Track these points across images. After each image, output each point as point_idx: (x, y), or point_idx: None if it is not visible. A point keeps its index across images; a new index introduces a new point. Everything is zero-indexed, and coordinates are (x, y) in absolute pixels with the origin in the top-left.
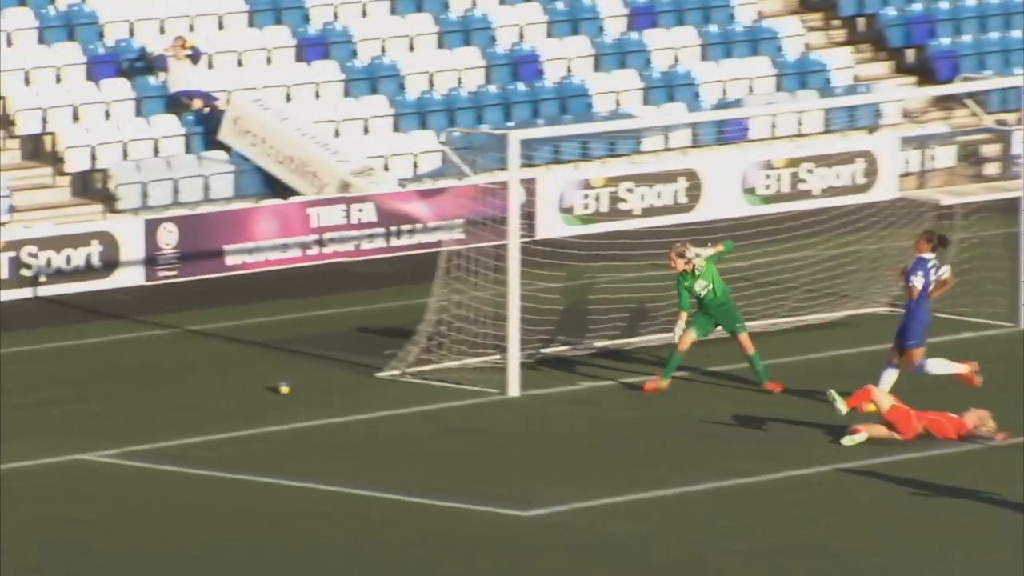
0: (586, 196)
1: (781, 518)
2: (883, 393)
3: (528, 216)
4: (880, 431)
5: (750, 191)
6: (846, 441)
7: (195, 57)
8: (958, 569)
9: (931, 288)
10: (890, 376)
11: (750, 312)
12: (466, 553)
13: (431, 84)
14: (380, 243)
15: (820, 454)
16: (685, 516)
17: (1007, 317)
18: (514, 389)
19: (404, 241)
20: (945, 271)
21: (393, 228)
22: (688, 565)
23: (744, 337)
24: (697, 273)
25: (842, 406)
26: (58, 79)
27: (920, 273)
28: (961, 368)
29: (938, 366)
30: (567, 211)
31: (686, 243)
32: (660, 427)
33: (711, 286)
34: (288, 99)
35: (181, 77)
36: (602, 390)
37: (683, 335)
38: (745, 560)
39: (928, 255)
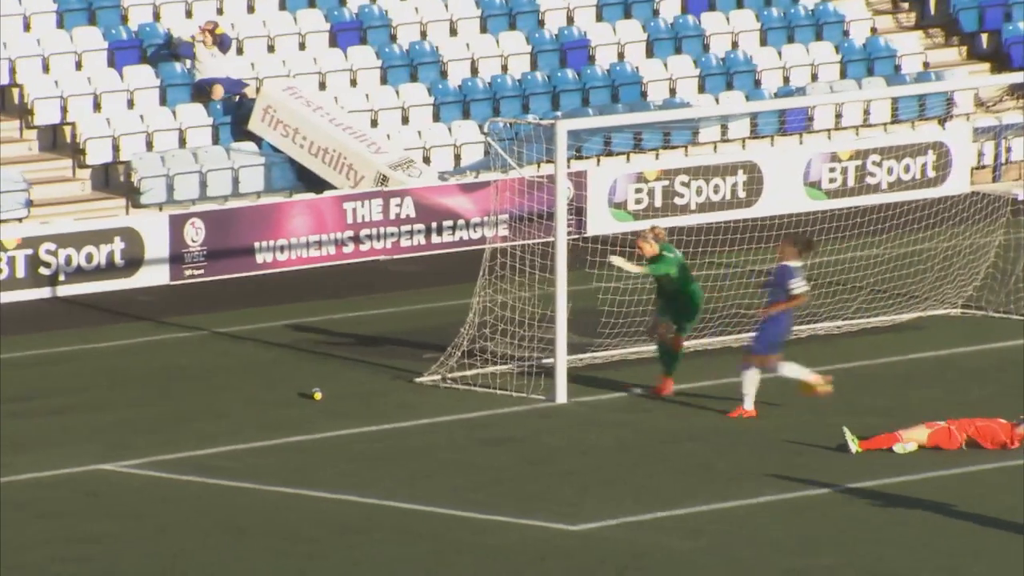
0: (638, 190)
1: (842, 533)
2: (910, 432)
3: (577, 212)
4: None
5: (813, 185)
6: (897, 449)
7: (224, 45)
8: None
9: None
10: (751, 377)
11: (814, 313)
12: (511, 570)
13: (474, 71)
14: (419, 240)
15: (882, 465)
16: (743, 530)
17: None
18: (561, 396)
19: (445, 238)
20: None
21: (433, 224)
22: None
23: (680, 339)
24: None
25: (854, 447)
26: (78, 66)
27: (799, 278)
28: (811, 377)
29: (791, 370)
30: (618, 206)
31: (659, 231)
32: (713, 436)
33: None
34: (322, 87)
35: (209, 65)
36: (654, 397)
37: (664, 327)
38: None
39: (794, 262)
